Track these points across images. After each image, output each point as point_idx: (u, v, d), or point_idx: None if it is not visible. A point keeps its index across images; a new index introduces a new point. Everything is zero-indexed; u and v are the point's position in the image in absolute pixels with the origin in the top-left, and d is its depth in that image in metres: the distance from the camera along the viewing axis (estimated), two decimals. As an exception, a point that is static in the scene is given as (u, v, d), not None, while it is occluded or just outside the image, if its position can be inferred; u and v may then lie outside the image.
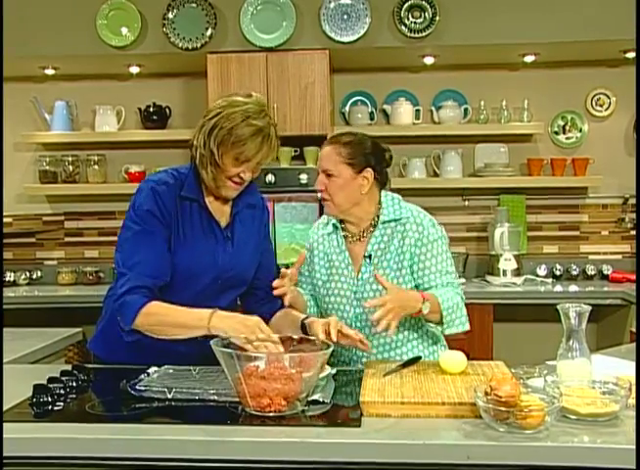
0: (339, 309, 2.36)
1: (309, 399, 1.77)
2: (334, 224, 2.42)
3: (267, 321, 2.25)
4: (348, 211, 2.35)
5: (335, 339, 2.02)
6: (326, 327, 2.06)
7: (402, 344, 2.34)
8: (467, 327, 2.30)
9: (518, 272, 4.28)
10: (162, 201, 2.11)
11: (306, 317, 2.22)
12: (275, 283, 2.12)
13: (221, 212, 2.22)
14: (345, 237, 2.40)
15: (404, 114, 4.42)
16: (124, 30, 4.10)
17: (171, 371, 2.06)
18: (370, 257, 2.34)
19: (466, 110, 4.48)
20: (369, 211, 2.36)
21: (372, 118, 4.54)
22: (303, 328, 2.16)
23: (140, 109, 4.52)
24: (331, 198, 2.32)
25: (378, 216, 2.36)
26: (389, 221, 2.34)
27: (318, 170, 2.35)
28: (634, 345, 2.70)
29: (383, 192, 2.40)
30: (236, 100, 2.12)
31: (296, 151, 4.30)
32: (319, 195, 2.36)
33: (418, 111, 4.48)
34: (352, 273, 2.36)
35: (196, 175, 2.17)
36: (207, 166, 2.11)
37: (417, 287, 2.31)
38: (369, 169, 2.31)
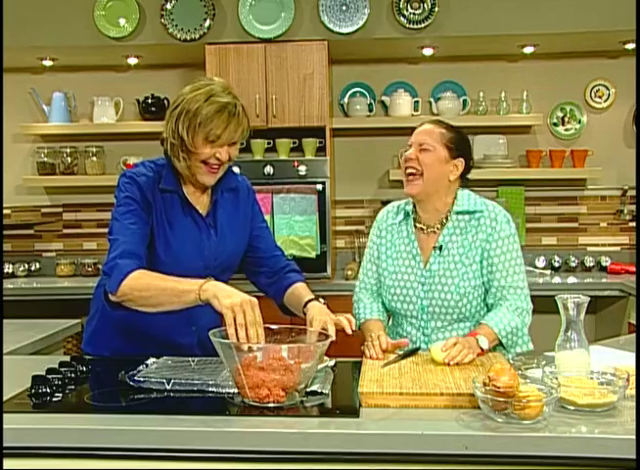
0: (404, 301, 2.35)
1: (308, 389, 1.77)
2: (406, 212, 2.41)
3: (278, 302, 2.28)
4: (429, 195, 2.32)
5: (334, 336, 1.95)
6: (323, 324, 2.00)
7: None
8: (530, 347, 2.29)
9: (516, 264, 4.28)
10: (143, 190, 2.10)
11: (310, 300, 2.17)
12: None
13: (201, 202, 2.22)
14: (416, 227, 2.39)
15: (403, 105, 4.42)
16: (122, 21, 4.09)
17: (170, 362, 2.05)
18: (440, 248, 2.32)
19: (465, 101, 4.47)
20: (446, 202, 2.35)
21: (371, 110, 4.53)
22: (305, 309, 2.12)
23: (138, 100, 4.51)
24: (422, 171, 2.29)
25: (451, 209, 2.35)
26: (463, 213, 2.33)
27: (409, 144, 2.33)
28: (632, 336, 2.71)
29: (461, 189, 2.40)
30: (198, 84, 2.12)
31: (294, 142, 4.29)
32: (407, 170, 2.31)
33: (417, 102, 4.47)
34: (420, 264, 2.34)
35: (172, 167, 2.17)
36: (179, 154, 2.10)
37: (483, 284, 2.31)
38: (462, 160, 2.33)
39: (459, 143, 2.33)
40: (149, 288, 1.94)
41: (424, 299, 2.32)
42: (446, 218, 2.35)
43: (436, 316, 2.31)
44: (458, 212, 2.33)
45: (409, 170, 2.31)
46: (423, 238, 2.37)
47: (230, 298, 1.80)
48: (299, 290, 2.26)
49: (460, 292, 2.28)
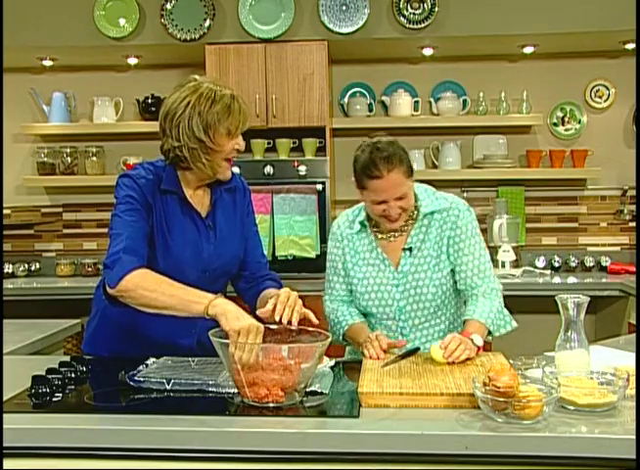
0: (380, 305, 2.32)
1: (307, 389, 1.77)
2: (361, 222, 2.35)
3: (251, 308, 2.23)
4: None
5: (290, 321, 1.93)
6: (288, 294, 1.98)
7: (444, 334, 2.32)
8: (514, 324, 2.31)
9: (516, 264, 4.29)
10: (142, 191, 2.09)
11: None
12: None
13: (201, 203, 2.21)
14: (377, 237, 2.34)
15: (403, 105, 4.41)
16: (122, 21, 4.09)
17: (170, 362, 2.06)
18: (410, 249, 2.31)
19: (465, 101, 4.47)
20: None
21: (371, 110, 4.52)
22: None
23: (138, 100, 4.51)
24: (406, 212, 2.24)
25: (417, 210, 2.31)
26: (430, 213, 2.31)
27: (385, 200, 2.18)
28: (632, 336, 2.71)
29: (415, 184, 2.32)
30: (190, 85, 2.09)
31: (294, 142, 4.30)
32: (391, 218, 2.21)
33: (417, 102, 4.47)
34: (390, 267, 2.32)
35: (173, 168, 2.15)
36: (201, 157, 2.08)
37: (452, 272, 2.31)
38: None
39: (409, 159, 2.23)
40: (156, 289, 1.93)
41: (400, 300, 2.31)
42: (413, 220, 2.32)
43: (414, 314, 2.31)
44: (426, 214, 2.31)
45: (394, 218, 2.23)
46: (387, 244, 2.34)
47: (239, 320, 1.79)
48: (269, 290, 2.19)
49: (435, 284, 2.28)
